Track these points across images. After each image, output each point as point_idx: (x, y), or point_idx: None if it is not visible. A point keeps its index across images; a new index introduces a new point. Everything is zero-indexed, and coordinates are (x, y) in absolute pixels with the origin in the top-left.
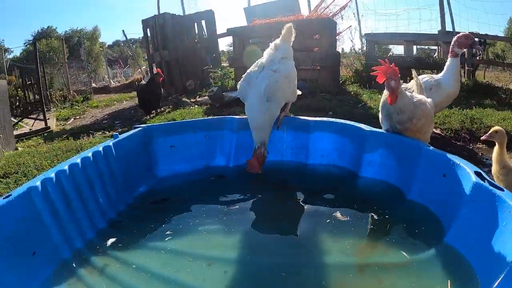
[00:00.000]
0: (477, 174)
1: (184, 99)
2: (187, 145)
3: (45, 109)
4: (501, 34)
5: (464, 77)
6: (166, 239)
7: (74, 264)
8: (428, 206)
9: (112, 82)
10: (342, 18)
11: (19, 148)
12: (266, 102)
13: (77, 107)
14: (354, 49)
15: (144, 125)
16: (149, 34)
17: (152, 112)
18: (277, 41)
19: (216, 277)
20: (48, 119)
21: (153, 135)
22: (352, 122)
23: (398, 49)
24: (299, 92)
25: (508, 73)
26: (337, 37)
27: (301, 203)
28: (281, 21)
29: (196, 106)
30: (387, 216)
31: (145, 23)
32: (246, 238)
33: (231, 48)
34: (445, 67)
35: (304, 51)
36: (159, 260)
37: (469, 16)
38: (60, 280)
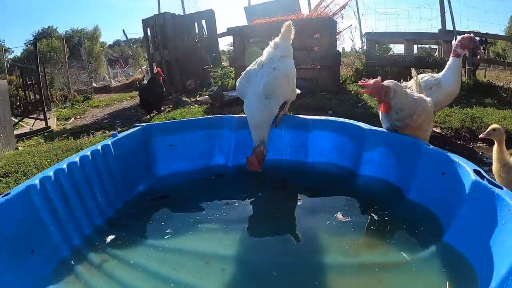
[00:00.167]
0: (476, 172)
1: (184, 98)
2: (187, 144)
3: (46, 109)
4: (502, 33)
5: (465, 76)
6: (164, 237)
7: (72, 262)
8: (427, 205)
9: (113, 82)
10: (342, 17)
11: (19, 148)
12: (265, 99)
13: (78, 107)
14: (354, 48)
15: (144, 124)
16: (149, 34)
17: (153, 112)
18: (277, 39)
19: (213, 274)
20: (49, 118)
21: (152, 134)
22: (351, 120)
23: (398, 48)
24: (298, 91)
25: (508, 72)
26: (337, 36)
27: (300, 202)
28: (281, 20)
29: (196, 105)
30: (386, 215)
31: (145, 22)
32: (244, 237)
33: (232, 47)
34: (446, 66)
35: (304, 50)
36: (157, 258)
37: (469, 15)
38: (59, 278)
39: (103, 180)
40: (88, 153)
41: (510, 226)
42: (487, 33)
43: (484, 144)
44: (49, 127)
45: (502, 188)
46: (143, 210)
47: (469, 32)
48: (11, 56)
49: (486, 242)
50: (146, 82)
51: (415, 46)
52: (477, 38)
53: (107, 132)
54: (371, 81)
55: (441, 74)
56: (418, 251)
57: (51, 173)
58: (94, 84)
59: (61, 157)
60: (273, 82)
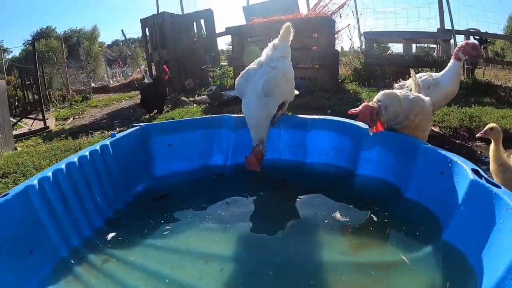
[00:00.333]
0: (474, 171)
1: (182, 98)
2: (185, 143)
3: (44, 109)
4: (500, 32)
5: (463, 75)
6: (163, 237)
7: (71, 262)
8: (426, 204)
9: (111, 82)
10: (340, 16)
11: (18, 148)
12: (264, 97)
13: (76, 107)
14: (353, 47)
15: (142, 123)
16: (147, 34)
17: (153, 112)
18: (276, 41)
19: (212, 274)
20: (47, 119)
21: (150, 134)
22: (350, 120)
23: (397, 47)
24: (296, 92)
25: (507, 71)
26: (336, 36)
27: (299, 202)
28: (280, 19)
29: (194, 105)
30: (385, 215)
31: (144, 22)
32: (243, 236)
33: (230, 47)
34: (446, 67)
35: (303, 49)
36: (156, 258)
37: (468, 14)
38: (58, 278)
39: (101, 180)
40: (87, 153)
41: (508, 225)
42: (486, 32)
43: (483, 143)
44: (48, 127)
45: (500, 187)
46: (142, 210)
47: (469, 30)
48: (9, 56)
49: (485, 241)
50: (146, 81)
51: (414, 45)
52: (477, 37)
53: (106, 132)
54: (360, 106)
55: (440, 74)
56: (417, 250)
57: (50, 174)
58: (93, 84)
59: (59, 157)
60: (272, 81)
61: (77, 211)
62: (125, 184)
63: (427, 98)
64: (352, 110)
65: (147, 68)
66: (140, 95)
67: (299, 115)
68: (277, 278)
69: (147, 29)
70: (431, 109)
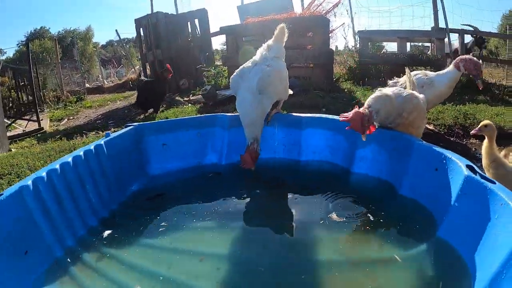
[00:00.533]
0: (469, 167)
1: (177, 98)
2: (180, 143)
3: (39, 110)
4: (495, 31)
5: None
6: (158, 236)
7: (66, 262)
8: (420, 200)
9: (106, 82)
10: (335, 15)
11: (12, 149)
12: (258, 95)
13: (71, 108)
14: (347, 46)
15: (136, 123)
16: (142, 34)
17: (148, 111)
18: (270, 41)
19: (208, 273)
20: (42, 120)
21: (145, 134)
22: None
23: (391, 46)
24: (290, 92)
25: (501, 69)
26: (330, 35)
27: (294, 200)
28: (274, 19)
29: (189, 105)
30: (379, 212)
31: (138, 22)
32: (239, 235)
33: (225, 47)
34: (445, 70)
35: (297, 48)
36: (152, 257)
37: (462, 13)
38: (53, 279)
39: (96, 180)
40: (81, 153)
41: (503, 221)
42: (480, 30)
43: (477, 140)
44: (42, 128)
45: (495, 183)
46: (137, 210)
47: (463, 29)
48: (3, 57)
49: (480, 237)
50: (143, 79)
51: (408, 44)
52: (475, 36)
53: (100, 132)
54: (350, 113)
55: (436, 74)
56: (411, 247)
57: (44, 174)
58: (87, 85)
59: (54, 158)
60: (267, 78)
61: (72, 211)
62: (120, 184)
63: (421, 96)
64: (343, 117)
65: (141, 69)
66: (136, 93)
67: (294, 114)
68: (272, 277)
69: (141, 29)
70: (425, 107)
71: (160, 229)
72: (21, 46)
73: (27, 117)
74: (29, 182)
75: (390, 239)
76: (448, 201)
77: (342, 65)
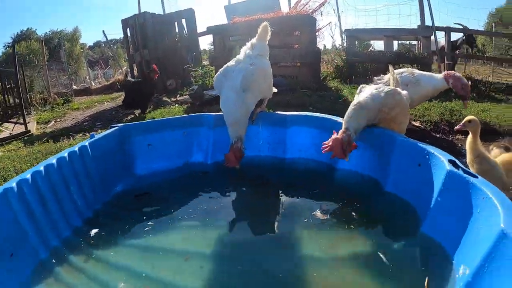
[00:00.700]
0: (451, 162)
1: (164, 98)
2: (165, 143)
3: (25, 113)
4: (481, 29)
5: (444, 70)
6: (144, 236)
7: (52, 264)
8: (404, 196)
9: (93, 84)
10: (321, 14)
11: None
12: (242, 93)
13: (58, 110)
14: (334, 45)
15: (121, 124)
16: (129, 34)
17: (135, 111)
18: (254, 40)
19: (192, 272)
20: (29, 122)
21: (130, 134)
22: (329, 115)
23: (378, 44)
24: (275, 90)
25: (488, 66)
26: (317, 34)
27: (279, 199)
28: (261, 18)
29: (176, 105)
30: (364, 209)
31: (125, 22)
32: (224, 234)
33: (213, 47)
34: (434, 75)
35: (284, 48)
36: (137, 257)
37: (448, 11)
38: (39, 280)
39: (80, 182)
40: (66, 154)
41: (484, 215)
42: (467, 28)
43: (463, 136)
44: (29, 131)
45: (477, 177)
46: (122, 210)
47: (449, 27)
48: None
49: (463, 231)
50: (130, 80)
51: (396, 42)
52: (465, 35)
53: (87, 134)
54: (330, 141)
55: (423, 73)
56: (396, 243)
57: (29, 176)
58: (75, 87)
59: (40, 161)
60: (250, 76)
61: (56, 212)
62: (105, 185)
63: (404, 92)
64: (324, 146)
65: (128, 69)
66: (124, 94)
67: (278, 112)
68: (256, 275)
69: (128, 29)
70: (408, 103)
71: (145, 229)
72: (7, 48)
73: (14, 120)
74: (14, 184)
75: (374, 235)
76: (431, 197)
77: (330, 63)
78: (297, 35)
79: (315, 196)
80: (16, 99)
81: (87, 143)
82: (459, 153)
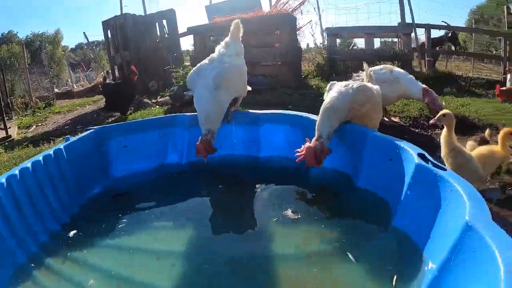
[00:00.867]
0: (421, 155)
1: (145, 100)
2: (141, 144)
3: (6, 118)
4: (462, 25)
5: (425, 67)
6: (119, 237)
7: (30, 268)
8: (377, 191)
9: (75, 87)
10: (301, 13)
11: None
12: (215, 91)
13: (39, 114)
14: (315, 43)
15: (97, 126)
16: (109, 35)
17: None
18: (227, 38)
19: (164, 270)
20: (9, 127)
21: (106, 137)
22: (302, 113)
23: (361, 43)
24: (249, 88)
25: (469, 62)
26: (297, 32)
27: (253, 197)
28: (241, 18)
29: (157, 106)
30: (337, 205)
31: (106, 24)
32: (197, 233)
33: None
34: (416, 82)
35: (265, 47)
36: (111, 257)
37: (428, 9)
38: (17, 285)
39: (55, 185)
40: (40, 158)
41: (452, 207)
42: (448, 25)
43: (441, 131)
44: (10, 136)
45: (445, 170)
46: (99, 212)
47: (429, 24)
48: None
49: (432, 225)
50: (109, 82)
51: (379, 40)
52: (448, 33)
53: None
54: (303, 148)
55: (405, 73)
56: (368, 239)
57: (4, 180)
58: (57, 90)
59: None
60: (224, 74)
61: (31, 216)
62: (81, 187)
63: (375, 87)
64: (298, 155)
65: (109, 71)
66: (104, 98)
67: (251, 111)
68: (227, 272)
69: (109, 30)
70: (379, 99)
71: (121, 230)
72: None
73: None
74: None
75: (345, 232)
76: (402, 191)
77: (311, 62)
78: (278, 34)
79: (288, 194)
80: None
81: (62, 146)
82: (437, 148)
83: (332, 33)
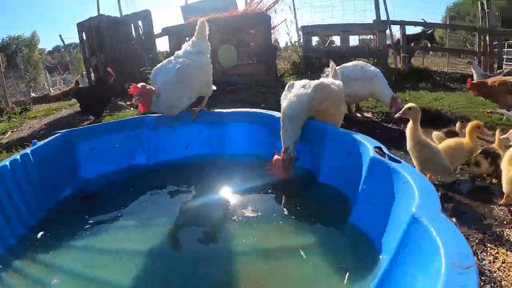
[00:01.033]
0: (377, 149)
1: (120, 102)
2: (108, 146)
3: None
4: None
5: (400, 63)
6: (86, 238)
7: None
8: (337, 186)
9: (52, 90)
10: (275, 12)
11: None
12: (177, 83)
13: (15, 120)
14: (291, 41)
15: (64, 130)
16: (84, 37)
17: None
18: (194, 37)
19: (126, 270)
20: None
21: (73, 140)
22: (265, 110)
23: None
24: (214, 87)
25: (445, 58)
26: (272, 31)
27: (217, 196)
28: (216, 17)
29: (132, 108)
30: (299, 201)
31: (81, 26)
32: (159, 232)
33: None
34: (388, 87)
35: (240, 46)
36: (78, 259)
37: (403, 5)
38: None
39: (23, 189)
40: (7, 163)
41: (405, 199)
42: (425, 22)
43: None
44: None
45: (400, 162)
46: (68, 214)
47: (403, 20)
48: None
49: (387, 218)
50: (82, 86)
51: (357, 38)
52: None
53: None
54: (273, 160)
55: (378, 72)
56: (326, 234)
57: None
58: (33, 94)
59: None
60: (186, 69)
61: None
62: (50, 190)
63: (337, 82)
64: (267, 168)
65: (85, 73)
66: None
67: (216, 110)
68: (189, 272)
69: (83, 33)
70: (340, 94)
71: (88, 231)
72: None
73: None
74: None
75: (304, 228)
76: (359, 185)
77: (287, 60)
78: (252, 33)
79: (250, 192)
80: None
81: (29, 151)
82: None
83: (307, 31)
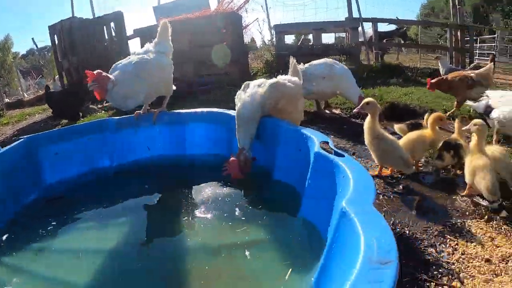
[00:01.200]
0: (324, 144)
1: (91, 106)
2: (72, 150)
3: None
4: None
5: (373, 59)
6: (47, 240)
7: None
8: (290, 182)
9: (26, 95)
10: (246, 11)
11: None
12: (134, 77)
13: None
14: (263, 40)
15: (26, 136)
16: (56, 40)
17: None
18: (156, 39)
19: (84, 268)
20: None
21: (36, 145)
22: (222, 109)
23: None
24: (174, 87)
25: (420, 55)
26: (244, 30)
27: (176, 197)
28: (187, 18)
29: (103, 111)
30: (256, 199)
31: (53, 28)
32: (119, 232)
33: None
34: (356, 85)
35: (211, 46)
36: (38, 260)
37: (375, 3)
38: None
39: None
40: None
41: (344, 193)
42: (398, 19)
43: (385, 120)
44: None
45: (343, 156)
46: (31, 218)
47: (376, 18)
48: None
49: (329, 212)
50: (52, 91)
51: (333, 35)
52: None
53: None
54: (229, 162)
55: (346, 71)
56: (276, 230)
57: None
58: (7, 100)
59: None
60: (145, 64)
61: None
62: (15, 195)
63: (293, 79)
64: (223, 169)
65: (58, 77)
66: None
67: (176, 111)
68: (144, 268)
69: (55, 35)
70: (297, 91)
71: (50, 233)
72: None
73: None
74: None
75: (256, 225)
76: (307, 179)
77: (259, 59)
78: (224, 32)
79: (207, 191)
80: None
81: None
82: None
83: (280, 30)
